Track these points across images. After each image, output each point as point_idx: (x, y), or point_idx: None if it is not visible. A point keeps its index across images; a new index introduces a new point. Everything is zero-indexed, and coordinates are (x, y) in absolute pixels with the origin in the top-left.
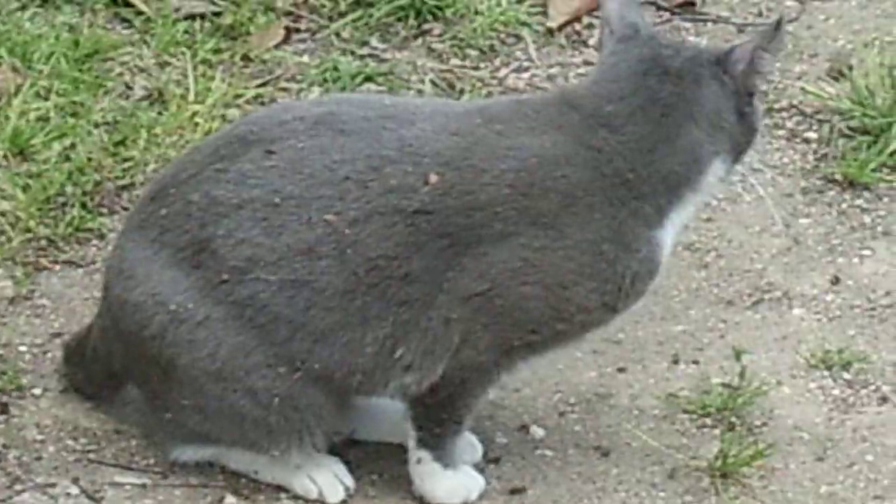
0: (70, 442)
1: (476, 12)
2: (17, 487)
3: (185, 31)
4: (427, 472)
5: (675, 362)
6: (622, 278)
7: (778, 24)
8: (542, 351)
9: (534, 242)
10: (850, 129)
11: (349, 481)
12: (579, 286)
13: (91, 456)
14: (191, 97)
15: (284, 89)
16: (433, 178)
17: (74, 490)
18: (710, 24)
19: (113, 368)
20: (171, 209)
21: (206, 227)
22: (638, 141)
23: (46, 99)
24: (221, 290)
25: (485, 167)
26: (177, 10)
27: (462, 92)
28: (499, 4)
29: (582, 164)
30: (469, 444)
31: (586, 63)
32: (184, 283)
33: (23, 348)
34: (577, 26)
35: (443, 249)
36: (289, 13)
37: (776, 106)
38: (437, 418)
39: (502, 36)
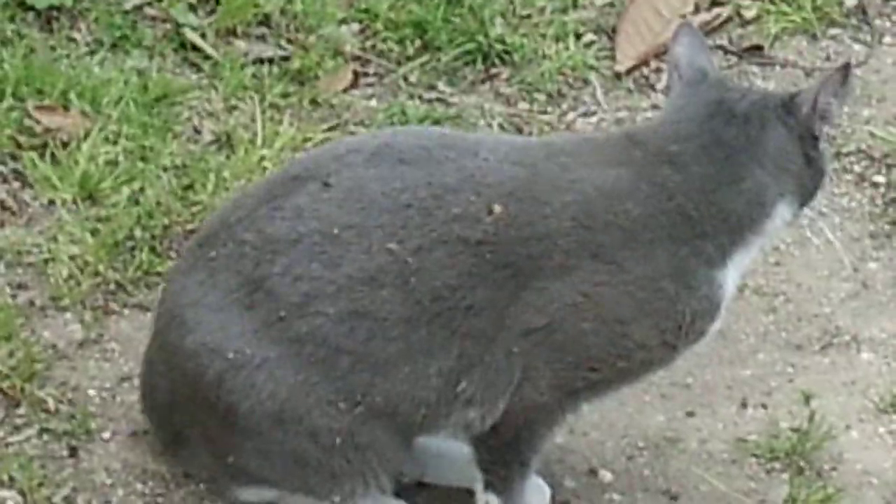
0: (139, 486)
1: (544, 56)
2: None
3: (254, 76)
4: None
5: (744, 406)
6: (682, 317)
7: (845, 69)
8: (604, 390)
9: (594, 277)
10: None
11: None
12: (638, 323)
13: (160, 500)
14: (259, 141)
15: (352, 133)
16: (497, 208)
17: None
18: (777, 69)
19: (167, 413)
20: (221, 251)
21: (261, 265)
22: (701, 180)
23: (115, 143)
24: (278, 328)
25: (547, 199)
26: (245, 54)
27: (530, 136)
28: (566, 48)
29: (644, 200)
30: (537, 488)
31: (654, 107)
32: (238, 327)
33: (92, 392)
34: (645, 70)
35: (505, 281)
36: (357, 57)
37: (844, 150)
38: (502, 460)
39: (570, 80)
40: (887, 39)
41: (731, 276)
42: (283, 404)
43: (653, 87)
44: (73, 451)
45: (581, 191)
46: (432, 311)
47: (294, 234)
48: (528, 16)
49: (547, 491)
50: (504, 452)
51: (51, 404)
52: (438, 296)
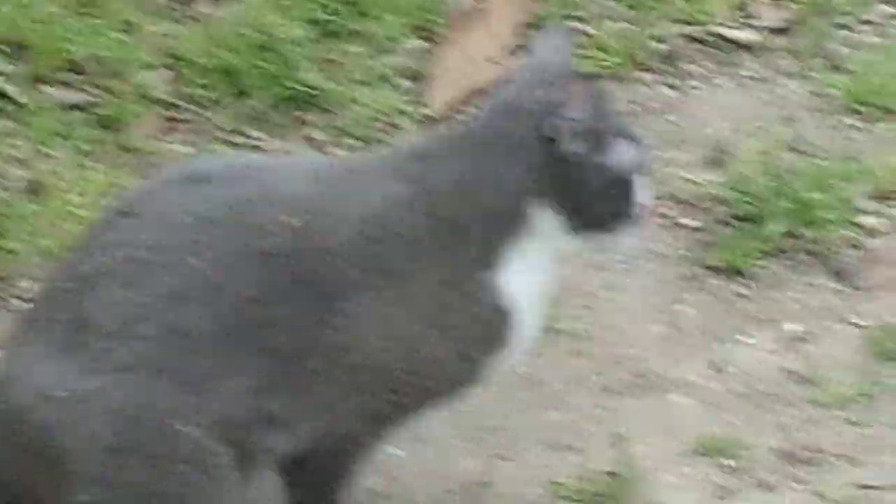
0: None
1: (354, 101)
2: None
3: (63, 122)
4: None
5: (556, 450)
6: (469, 325)
7: (588, 77)
8: (413, 414)
9: (384, 293)
10: (729, 216)
11: None
12: (428, 336)
13: None
14: (70, 188)
15: None
16: (294, 221)
17: None
18: None
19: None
20: (43, 306)
21: (80, 304)
22: (460, 181)
23: None
24: (104, 360)
25: (338, 212)
26: (55, 100)
27: None
28: (378, 93)
29: (420, 211)
30: None
31: None
32: (65, 368)
33: None
34: (457, 115)
35: (305, 296)
36: (167, 103)
37: (657, 194)
38: (313, 498)
39: (381, 125)
40: (694, 83)
41: (512, 279)
42: (117, 434)
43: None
44: None
45: (367, 203)
46: (236, 325)
47: (104, 266)
48: (339, 62)
49: None
50: (314, 488)
51: None
52: (241, 309)
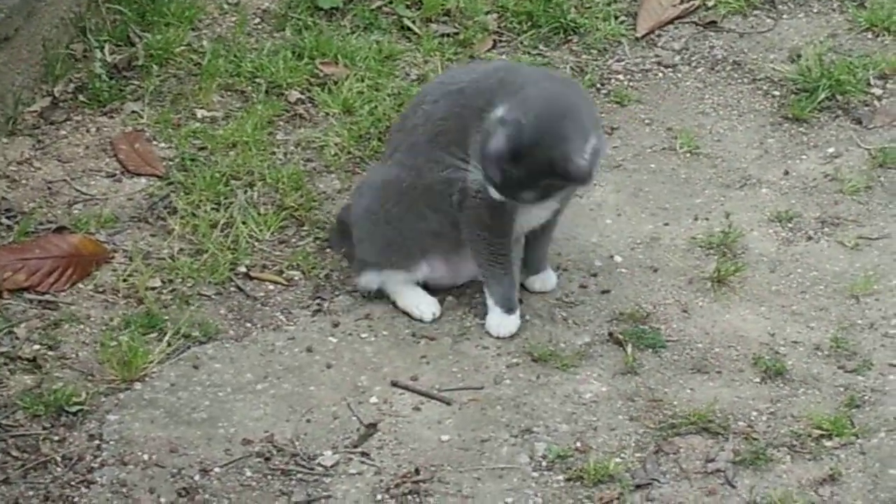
0: None
1: (597, 29)
2: None
3: (440, 43)
4: None
5: (697, 219)
6: None
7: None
8: None
9: None
10: (796, 88)
11: None
12: None
13: None
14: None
15: None
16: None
17: None
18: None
19: None
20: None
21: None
22: None
23: None
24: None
25: None
26: (434, 32)
27: (585, 75)
28: (609, 23)
29: None
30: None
31: (656, 56)
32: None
33: None
34: (652, 36)
35: None
36: (496, 32)
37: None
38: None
39: (610, 42)
40: (785, 15)
41: None
42: None
43: (656, 45)
44: None
45: None
46: None
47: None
48: (589, 6)
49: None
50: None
51: None
52: None
